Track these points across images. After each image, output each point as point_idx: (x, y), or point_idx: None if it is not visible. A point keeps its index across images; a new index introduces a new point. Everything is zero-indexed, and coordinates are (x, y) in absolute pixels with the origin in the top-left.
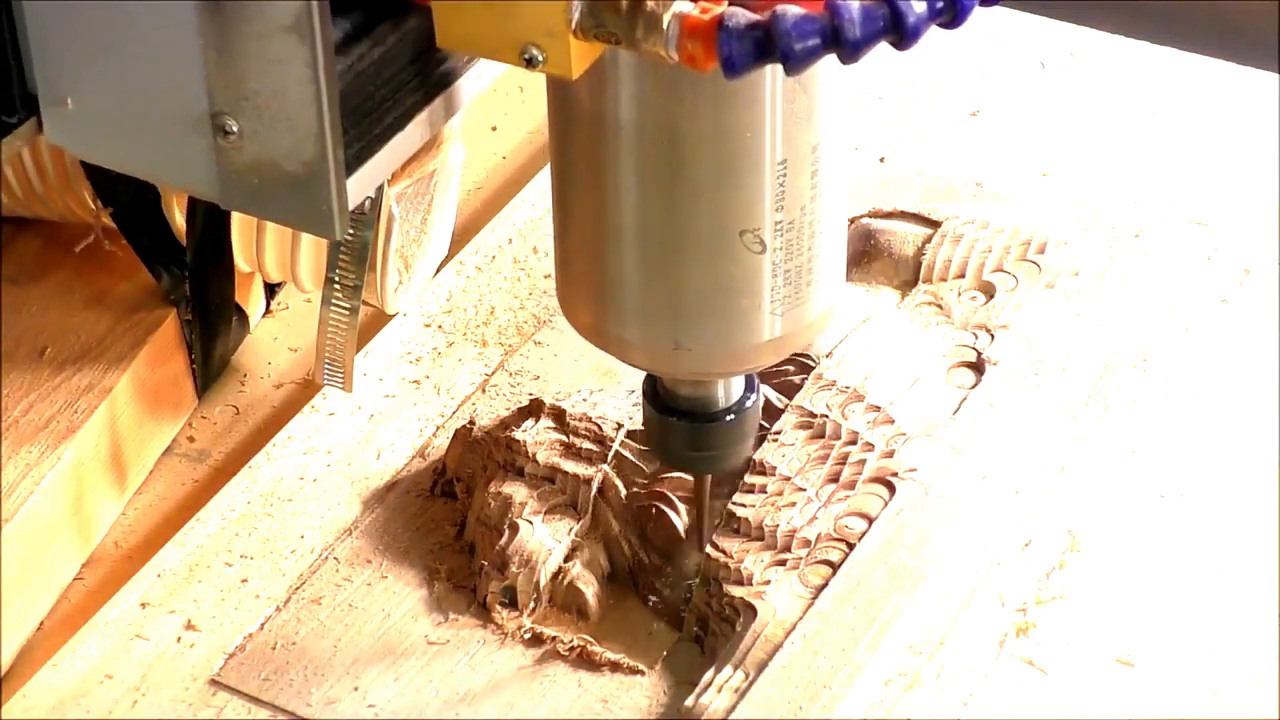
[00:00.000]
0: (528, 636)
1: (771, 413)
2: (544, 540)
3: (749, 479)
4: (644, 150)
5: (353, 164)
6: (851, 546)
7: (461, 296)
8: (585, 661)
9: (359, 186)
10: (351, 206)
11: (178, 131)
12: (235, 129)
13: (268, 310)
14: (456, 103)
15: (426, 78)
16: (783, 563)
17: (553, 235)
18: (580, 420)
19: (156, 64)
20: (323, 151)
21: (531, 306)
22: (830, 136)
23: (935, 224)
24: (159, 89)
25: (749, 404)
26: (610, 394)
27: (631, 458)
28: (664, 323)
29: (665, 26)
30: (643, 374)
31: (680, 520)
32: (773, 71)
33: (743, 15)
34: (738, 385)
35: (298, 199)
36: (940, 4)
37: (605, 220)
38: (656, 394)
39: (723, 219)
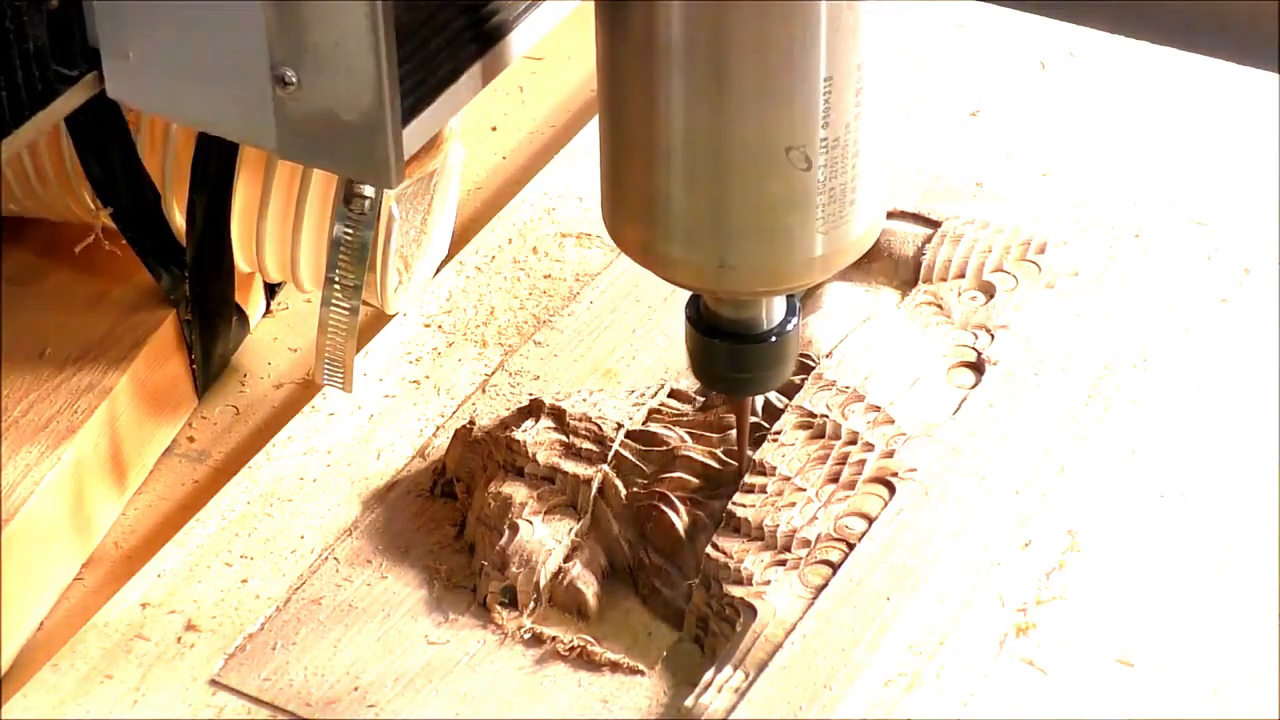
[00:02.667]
0: (528, 636)
1: (771, 413)
2: (544, 540)
3: (749, 479)
4: (692, 66)
5: (408, 114)
6: (851, 546)
7: (461, 296)
8: (585, 661)
9: (414, 136)
10: (407, 156)
11: (237, 83)
12: (294, 80)
13: (268, 310)
14: (508, 56)
15: (479, 30)
16: (783, 563)
17: (599, 156)
18: (580, 420)
19: (217, 16)
20: (380, 101)
21: (531, 306)
22: (874, 55)
23: (935, 224)
24: (219, 41)
25: (790, 326)
26: (610, 394)
27: (631, 458)
28: (710, 240)
29: None
30: (639, 375)
31: (680, 520)
32: None
33: None
34: (779, 307)
35: (355, 148)
36: None
37: (653, 138)
38: (699, 316)
39: (769, 135)
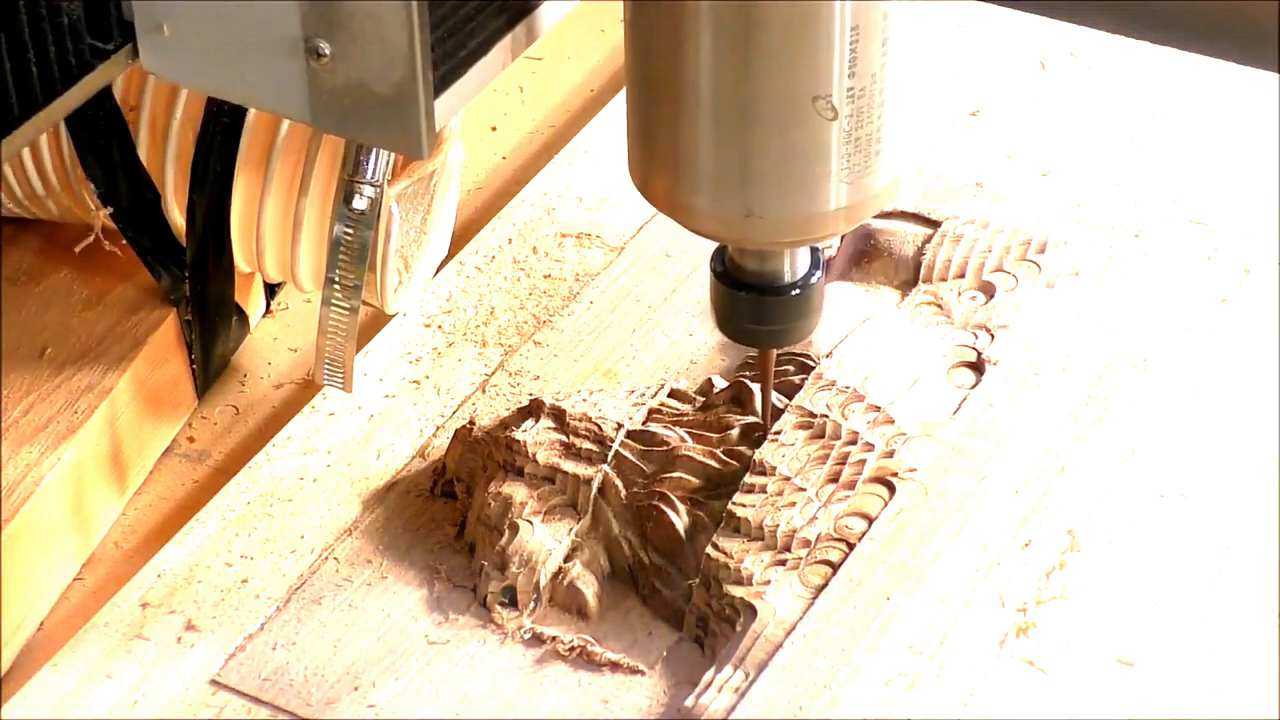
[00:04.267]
0: (528, 636)
1: (772, 413)
2: (544, 540)
3: (749, 479)
4: (719, 16)
5: (440, 86)
6: (851, 546)
7: (461, 296)
8: (585, 661)
9: (445, 108)
10: (438, 128)
11: (271, 55)
12: (327, 51)
13: (268, 310)
14: (537, 29)
15: (509, 1)
16: (783, 563)
17: (625, 110)
18: (580, 420)
19: None
20: (413, 73)
21: (531, 306)
22: (901, 6)
23: (935, 224)
24: (253, 13)
25: (814, 279)
26: (610, 394)
27: (631, 458)
28: (736, 190)
29: None
30: (639, 375)
31: (680, 520)
32: None
33: None
34: (803, 260)
35: (387, 120)
36: None
37: (681, 88)
38: (724, 268)
39: (795, 84)
